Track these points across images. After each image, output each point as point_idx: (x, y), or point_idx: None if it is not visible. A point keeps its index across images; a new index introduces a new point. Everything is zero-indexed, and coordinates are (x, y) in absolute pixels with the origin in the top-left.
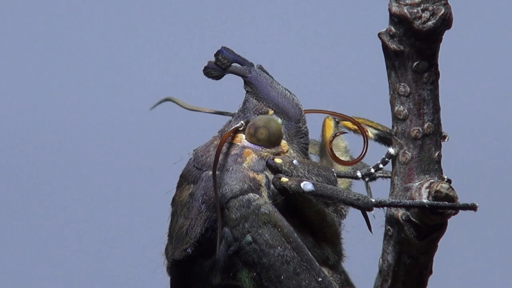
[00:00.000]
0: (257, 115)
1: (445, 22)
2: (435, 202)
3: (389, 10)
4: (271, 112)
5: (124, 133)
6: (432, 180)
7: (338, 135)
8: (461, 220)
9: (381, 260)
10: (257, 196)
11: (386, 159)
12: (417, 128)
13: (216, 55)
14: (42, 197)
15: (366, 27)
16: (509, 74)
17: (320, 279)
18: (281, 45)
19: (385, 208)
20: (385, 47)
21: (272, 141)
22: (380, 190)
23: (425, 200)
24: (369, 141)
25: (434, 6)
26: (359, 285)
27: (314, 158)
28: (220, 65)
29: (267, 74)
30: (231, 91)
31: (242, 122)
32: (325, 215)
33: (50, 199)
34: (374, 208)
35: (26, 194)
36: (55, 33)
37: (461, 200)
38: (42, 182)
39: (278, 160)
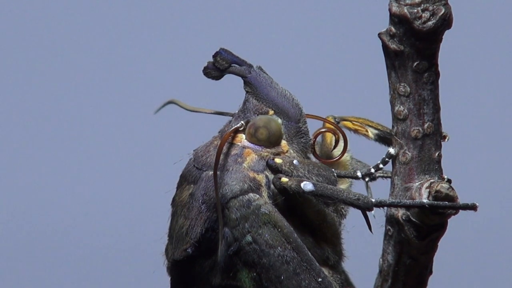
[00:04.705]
0: (257, 115)
1: (445, 22)
2: (435, 202)
3: (389, 10)
4: (271, 112)
5: (124, 134)
6: (432, 180)
7: (321, 133)
8: (461, 220)
9: (381, 260)
10: (257, 196)
11: (386, 159)
12: (417, 128)
13: (214, 56)
14: (43, 197)
15: (366, 27)
16: (509, 74)
17: (320, 279)
18: (281, 45)
19: (385, 208)
20: (385, 47)
21: (272, 141)
22: (380, 190)
23: (425, 200)
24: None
25: (434, 6)
26: (359, 285)
27: (314, 158)
28: (219, 67)
29: (267, 74)
30: (231, 91)
31: (242, 122)
32: (325, 215)
33: (51, 199)
34: (374, 208)
35: (28, 194)
36: (56, 37)
37: (461, 200)
38: (43, 181)
39: (278, 160)
